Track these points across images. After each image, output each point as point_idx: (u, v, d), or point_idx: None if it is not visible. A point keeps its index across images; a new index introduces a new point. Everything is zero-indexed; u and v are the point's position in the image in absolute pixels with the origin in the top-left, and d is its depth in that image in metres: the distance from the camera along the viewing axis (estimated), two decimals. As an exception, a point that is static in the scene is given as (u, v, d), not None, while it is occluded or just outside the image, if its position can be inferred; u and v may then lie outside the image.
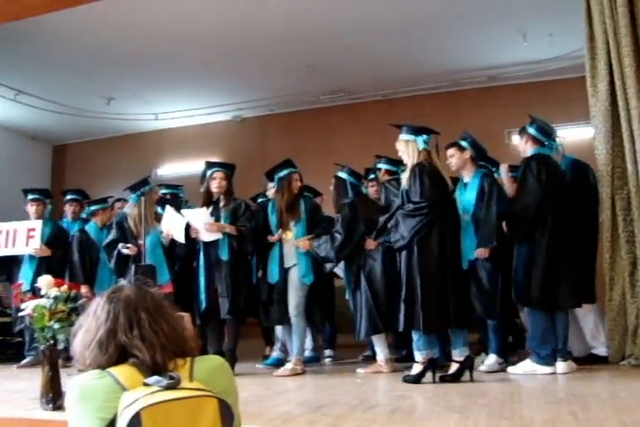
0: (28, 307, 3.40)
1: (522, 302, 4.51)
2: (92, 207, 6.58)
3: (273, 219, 5.23)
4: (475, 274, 4.69)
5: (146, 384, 1.51)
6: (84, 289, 5.95)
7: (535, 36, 7.29)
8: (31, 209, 6.35)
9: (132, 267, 4.93)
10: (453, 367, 4.18)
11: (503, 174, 4.98)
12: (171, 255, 5.39)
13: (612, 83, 4.74)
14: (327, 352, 6.09)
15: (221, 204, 5.25)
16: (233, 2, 6.53)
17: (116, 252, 5.34)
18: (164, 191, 6.54)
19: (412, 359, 4.46)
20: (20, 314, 3.59)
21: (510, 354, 4.88)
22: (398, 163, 5.12)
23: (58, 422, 3.07)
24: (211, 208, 5.22)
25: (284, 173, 5.26)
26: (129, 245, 5.31)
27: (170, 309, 1.70)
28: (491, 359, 4.62)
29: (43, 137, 10.89)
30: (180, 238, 5.17)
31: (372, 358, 5.32)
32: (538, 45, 7.48)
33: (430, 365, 4.13)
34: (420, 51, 7.82)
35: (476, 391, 3.71)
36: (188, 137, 10.38)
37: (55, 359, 3.43)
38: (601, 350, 4.80)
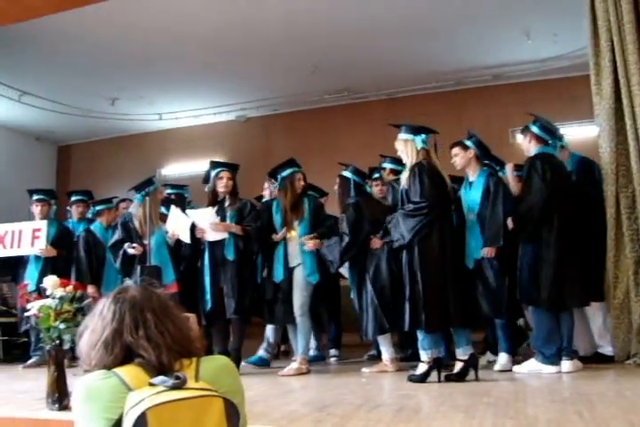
0: (34, 307, 3.40)
1: (528, 301, 4.51)
2: (97, 207, 6.60)
3: (277, 218, 5.23)
4: (481, 273, 4.68)
5: (152, 384, 1.51)
6: (90, 289, 5.96)
7: (539, 35, 7.28)
8: (36, 209, 6.36)
9: (138, 267, 4.94)
10: (458, 366, 4.18)
11: (508, 173, 4.98)
12: (176, 255, 5.40)
13: (616, 81, 4.73)
14: (332, 352, 6.10)
15: (227, 203, 5.26)
16: (234, 2, 6.53)
17: (121, 252, 5.36)
18: (168, 191, 6.54)
19: (417, 359, 4.46)
20: (26, 314, 3.59)
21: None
22: (403, 162, 5.12)
23: (64, 423, 3.07)
24: (216, 208, 5.23)
25: (287, 172, 5.25)
26: (134, 245, 5.32)
27: (176, 309, 1.71)
28: (503, 358, 4.61)
29: (47, 138, 10.91)
30: (186, 238, 5.17)
31: (377, 358, 5.31)
32: (542, 44, 7.47)
33: (435, 364, 4.12)
34: (424, 50, 7.81)
35: (481, 391, 3.70)
36: (192, 137, 10.39)
37: (61, 359, 3.43)
38: (607, 350, 4.79)
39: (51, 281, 3.49)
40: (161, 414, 1.44)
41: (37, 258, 6.11)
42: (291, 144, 9.27)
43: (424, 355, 4.29)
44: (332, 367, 5.66)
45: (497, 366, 4.56)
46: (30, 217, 6.48)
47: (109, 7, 6.01)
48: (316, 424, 2.84)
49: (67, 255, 6.21)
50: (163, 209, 5.62)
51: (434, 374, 4.09)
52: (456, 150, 4.96)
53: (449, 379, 4.08)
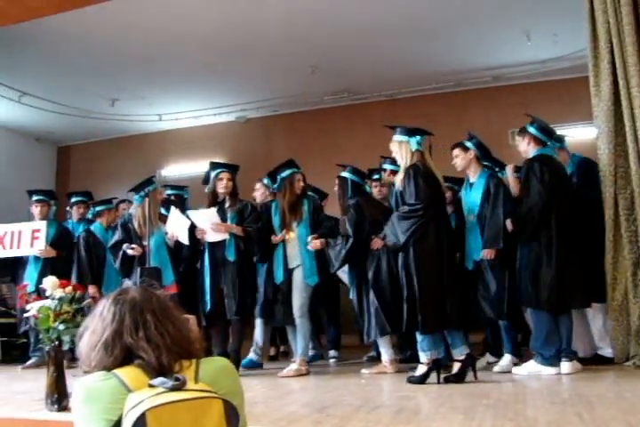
0: (33, 308, 3.40)
1: (527, 303, 4.50)
2: (97, 208, 6.61)
3: (276, 219, 5.23)
4: (481, 275, 4.69)
5: (151, 386, 1.51)
6: (91, 289, 5.97)
7: (539, 36, 7.28)
8: (36, 210, 6.36)
9: (138, 269, 4.94)
10: (456, 367, 4.18)
11: (509, 175, 4.98)
12: (176, 256, 5.39)
13: (614, 82, 4.72)
14: (332, 353, 6.09)
15: (227, 204, 5.25)
16: (234, 2, 6.53)
17: (121, 253, 5.36)
18: (169, 192, 6.54)
19: (416, 360, 4.45)
20: (25, 315, 3.59)
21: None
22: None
23: (63, 423, 3.07)
24: (216, 209, 5.23)
25: (286, 173, 5.25)
26: (133, 245, 5.32)
27: (175, 310, 1.71)
28: (505, 360, 4.61)
29: (47, 138, 10.91)
30: (185, 240, 5.17)
31: (376, 359, 5.31)
32: (542, 45, 7.47)
33: (435, 365, 4.12)
34: (424, 51, 7.81)
35: (480, 392, 3.70)
36: (191, 138, 10.39)
37: (60, 360, 3.43)
38: (607, 351, 4.78)
39: (50, 282, 3.49)
40: (160, 415, 1.43)
41: (37, 259, 6.12)
42: (291, 145, 9.27)
43: (423, 356, 4.28)
44: (331, 369, 5.66)
45: (497, 368, 4.56)
46: (30, 218, 6.48)
47: (109, 8, 6.01)
48: (316, 425, 2.84)
49: (66, 256, 6.21)
50: (162, 210, 5.62)
51: (433, 376, 4.09)
52: (457, 151, 4.97)
53: (448, 380, 4.08)
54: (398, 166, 5.31)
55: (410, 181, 4.35)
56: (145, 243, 5.21)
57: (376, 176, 5.54)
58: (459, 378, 4.08)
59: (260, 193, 6.03)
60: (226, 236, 5.10)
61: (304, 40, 7.35)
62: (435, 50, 7.79)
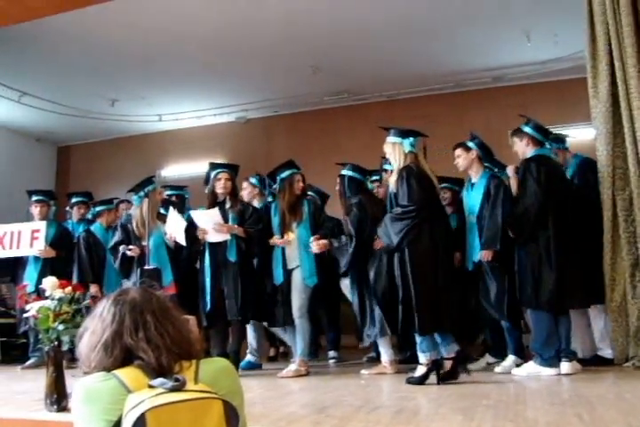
0: (33, 308, 3.40)
1: (528, 304, 4.49)
2: (98, 208, 6.61)
3: (275, 220, 5.22)
4: (481, 276, 4.69)
5: (151, 386, 1.51)
6: (93, 288, 5.98)
7: (539, 37, 7.27)
8: (35, 210, 6.36)
9: (138, 269, 4.94)
10: (448, 365, 4.17)
11: (510, 176, 4.97)
12: (176, 257, 5.39)
13: (613, 84, 4.72)
14: (331, 354, 6.09)
15: (228, 205, 5.25)
16: (233, 2, 6.52)
17: (120, 254, 5.36)
18: (169, 193, 6.54)
19: (415, 361, 4.45)
20: (25, 315, 3.59)
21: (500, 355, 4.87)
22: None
23: (62, 424, 3.06)
24: (217, 209, 5.22)
25: (285, 173, 5.25)
26: (131, 246, 5.32)
27: (175, 311, 1.71)
28: (509, 360, 4.61)
29: (47, 138, 10.91)
30: (182, 240, 5.17)
31: (376, 360, 5.31)
32: (542, 46, 7.46)
33: (434, 366, 4.12)
34: (424, 52, 7.80)
35: (480, 393, 3.70)
36: (192, 138, 10.38)
37: (60, 360, 3.43)
38: (607, 353, 4.78)
39: (50, 282, 3.49)
40: (160, 415, 1.44)
41: (36, 259, 6.12)
42: (291, 145, 9.26)
43: (423, 357, 4.28)
44: (331, 369, 5.67)
45: (498, 369, 4.56)
46: (29, 218, 6.48)
47: (110, 8, 6.01)
48: (315, 426, 2.84)
49: (66, 256, 6.21)
50: (162, 210, 5.61)
51: (432, 377, 4.09)
52: (458, 152, 4.97)
53: (444, 379, 4.06)
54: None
55: (403, 183, 4.35)
56: (144, 243, 5.21)
57: (376, 177, 5.53)
58: (451, 375, 4.07)
59: (247, 192, 6.01)
60: (227, 237, 5.10)
61: (304, 40, 7.35)
62: (435, 50, 7.79)
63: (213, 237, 5.11)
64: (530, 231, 4.43)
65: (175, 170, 10.35)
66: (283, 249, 5.13)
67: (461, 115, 8.74)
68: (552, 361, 4.30)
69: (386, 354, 4.95)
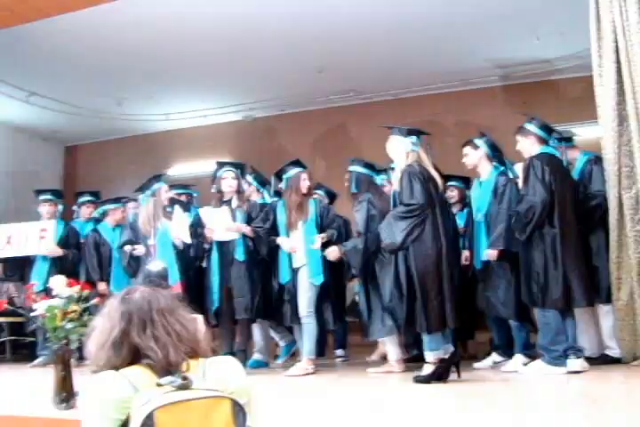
0: (41, 307, 3.42)
1: (535, 303, 4.48)
2: (105, 207, 6.62)
3: (282, 218, 5.23)
4: (489, 274, 4.68)
5: (159, 385, 1.52)
6: (101, 286, 6.00)
7: (546, 35, 7.24)
8: (43, 209, 6.39)
9: (145, 269, 4.96)
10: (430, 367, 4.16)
11: (518, 173, 4.95)
12: (183, 256, 5.40)
13: (619, 82, 4.70)
14: (338, 352, 6.10)
15: (235, 204, 5.26)
16: (242, 1, 6.52)
17: (127, 253, 5.37)
18: (178, 191, 6.55)
19: (422, 359, 4.45)
20: (33, 314, 3.61)
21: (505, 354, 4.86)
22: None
23: (71, 422, 3.08)
24: (227, 208, 5.23)
25: (291, 172, 5.25)
26: (135, 246, 5.32)
27: (183, 310, 1.71)
28: (516, 359, 4.60)
29: (54, 138, 10.93)
30: (187, 238, 5.19)
31: (383, 358, 5.31)
32: (549, 44, 7.43)
33: (449, 362, 4.10)
34: (430, 50, 7.79)
35: (487, 392, 3.70)
36: (198, 137, 10.38)
37: (68, 359, 3.44)
38: (615, 351, 4.75)
39: (58, 281, 3.50)
40: (168, 414, 1.44)
41: (44, 258, 6.14)
42: (298, 144, 9.26)
43: (430, 356, 4.28)
44: (337, 368, 5.67)
45: (505, 367, 4.55)
46: (37, 217, 6.50)
47: (116, 8, 6.03)
48: (323, 425, 2.85)
49: (73, 255, 6.24)
50: (169, 209, 5.62)
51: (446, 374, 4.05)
52: (467, 150, 4.97)
53: (435, 380, 4.00)
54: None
55: (405, 182, 4.35)
56: (150, 242, 5.22)
57: (384, 176, 5.52)
58: (441, 377, 4.02)
59: (249, 191, 6.01)
60: (235, 235, 5.11)
61: (311, 40, 7.34)
62: (441, 49, 7.77)
63: (221, 235, 5.11)
64: (532, 229, 4.41)
65: (182, 169, 10.37)
66: (289, 248, 5.13)
67: (468, 113, 8.72)
68: (559, 360, 4.28)
69: (393, 353, 4.95)
